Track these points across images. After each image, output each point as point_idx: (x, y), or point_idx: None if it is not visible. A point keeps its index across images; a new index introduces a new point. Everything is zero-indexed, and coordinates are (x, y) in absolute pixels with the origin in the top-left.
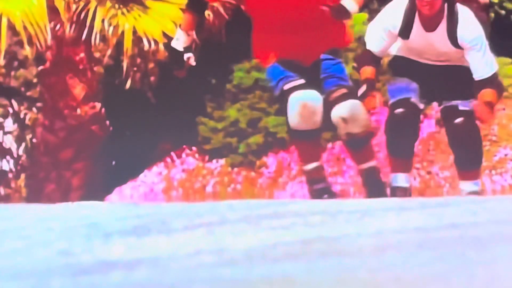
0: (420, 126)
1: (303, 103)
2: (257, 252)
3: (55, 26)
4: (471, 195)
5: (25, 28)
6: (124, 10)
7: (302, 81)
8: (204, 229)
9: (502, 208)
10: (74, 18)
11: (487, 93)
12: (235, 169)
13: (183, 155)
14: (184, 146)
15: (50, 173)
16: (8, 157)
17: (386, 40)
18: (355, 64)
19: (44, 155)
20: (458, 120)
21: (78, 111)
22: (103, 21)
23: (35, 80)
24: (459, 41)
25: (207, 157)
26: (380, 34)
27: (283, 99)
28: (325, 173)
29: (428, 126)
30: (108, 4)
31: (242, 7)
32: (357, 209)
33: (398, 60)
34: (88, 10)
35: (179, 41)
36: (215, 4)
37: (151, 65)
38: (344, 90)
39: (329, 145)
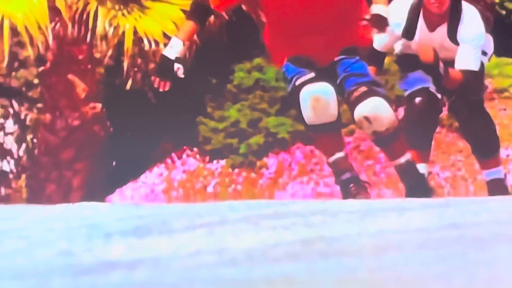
0: (439, 116)
1: (315, 97)
2: (257, 252)
3: (56, 27)
4: (495, 182)
5: (26, 29)
6: (125, 11)
7: (312, 74)
8: (204, 229)
9: (503, 208)
10: (75, 19)
11: (456, 72)
12: (236, 170)
13: (184, 156)
14: (185, 147)
15: (50, 174)
16: (8, 158)
17: (388, 39)
18: (360, 50)
19: (44, 155)
20: (467, 111)
21: (79, 111)
22: (104, 22)
23: (35, 81)
24: (459, 37)
25: (207, 158)
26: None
27: (296, 95)
28: (351, 162)
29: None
30: (109, 5)
31: (245, 7)
32: (358, 209)
33: (404, 57)
34: (89, 11)
35: (173, 50)
36: None
37: (151, 65)
38: (364, 89)
39: None
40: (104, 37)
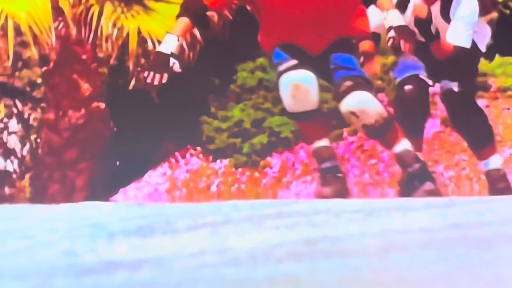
0: (429, 102)
1: (295, 84)
2: (261, 252)
3: (59, 27)
4: (493, 172)
5: (30, 29)
6: (128, 13)
7: (295, 61)
8: (208, 229)
9: (507, 208)
10: (79, 20)
11: (447, 43)
12: (239, 169)
13: (187, 155)
14: (188, 146)
15: (54, 173)
16: (12, 157)
17: (383, 17)
18: (354, 41)
19: (48, 155)
20: (456, 101)
21: (82, 111)
22: (108, 23)
23: (39, 81)
24: (451, 14)
25: (211, 157)
26: (377, 11)
27: (278, 82)
28: (334, 151)
29: (433, 126)
30: (113, 6)
31: (249, 7)
32: (361, 209)
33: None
34: (92, 12)
35: (166, 45)
36: None
37: None
38: (349, 83)
39: (334, 144)
40: (108, 38)
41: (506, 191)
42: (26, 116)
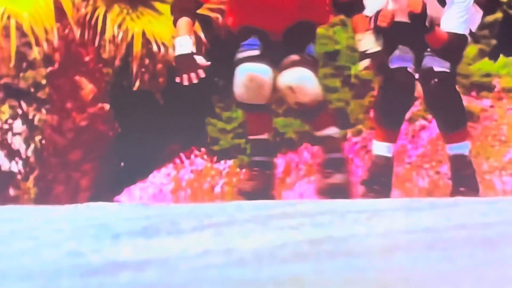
0: (413, 97)
1: (250, 75)
2: (265, 252)
3: (64, 28)
4: (459, 157)
5: (32, 29)
6: (133, 15)
7: (256, 52)
8: (212, 229)
9: None
10: (84, 21)
11: (442, 31)
12: (243, 170)
13: (192, 156)
14: (193, 147)
15: (58, 174)
16: (17, 158)
17: (384, 0)
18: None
19: (52, 156)
20: (434, 81)
21: (87, 112)
22: (112, 25)
23: (44, 81)
24: None
25: (215, 158)
26: None
27: (235, 68)
28: (270, 147)
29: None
30: (119, 8)
31: None
32: (366, 209)
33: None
34: (98, 13)
35: (184, 47)
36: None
37: (159, 66)
38: (296, 57)
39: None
40: (113, 40)
41: (470, 179)
42: (30, 117)
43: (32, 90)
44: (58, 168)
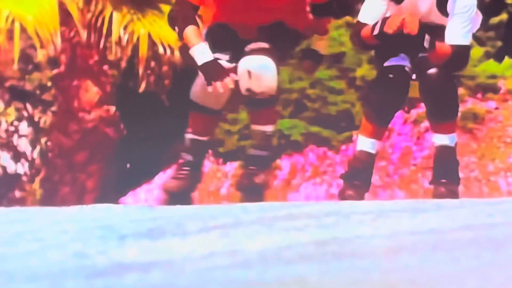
0: (407, 96)
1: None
2: (271, 253)
3: (69, 30)
4: (444, 149)
5: (37, 32)
6: (140, 15)
7: (226, 57)
8: (218, 231)
9: None
10: (89, 23)
11: (444, 46)
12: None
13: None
14: None
15: (64, 176)
16: (23, 160)
17: (384, 8)
18: (352, 42)
19: (58, 158)
20: (431, 70)
21: (92, 114)
22: (118, 27)
23: (49, 83)
24: (449, 8)
25: (221, 160)
26: (380, 2)
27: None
28: (208, 149)
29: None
30: (124, 10)
31: None
32: (371, 210)
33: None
34: (103, 16)
35: (205, 55)
36: None
37: (165, 68)
38: (264, 45)
39: (343, 147)
40: (118, 42)
41: (453, 172)
42: (36, 119)
43: (38, 92)
44: (64, 169)
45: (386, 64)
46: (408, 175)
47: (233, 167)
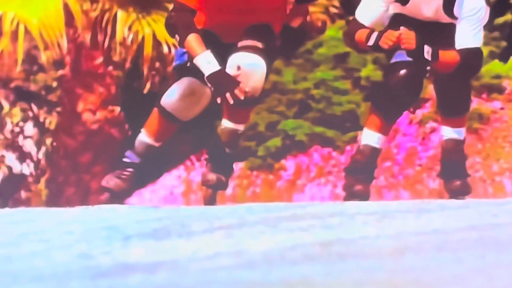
0: (419, 93)
1: (192, 90)
2: (276, 254)
3: (74, 31)
4: (454, 142)
5: (41, 35)
6: (145, 14)
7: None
8: (223, 231)
9: None
10: (94, 24)
11: (450, 54)
12: (254, 172)
13: (203, 158)
14: (204, 149)
15: (69, 177)
16: (28, 161)
17: (382, 9)
18: (344, 41)
19: (63, 158)
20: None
21: (97, 115)
22: (123, 27)
23: (54, 84)
24: (456, 12)
25: None
26: (379, 3)
27: (177, 73)
28: (154, 154)
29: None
30: (129, 10)
31: None
32: (376, 211)
33: (396, 17)
34: (108, 16)
35: (211, 64)
36: None
37: (169, 68)
38: (258, 44)
39: (348, 147)
40: (123, 42)
41: (461, 165)
42: (41, 119)
43: (43, 93)
44: (69, 170)
45: (393, 60)
46: (413, 176)
47: (238, 168)
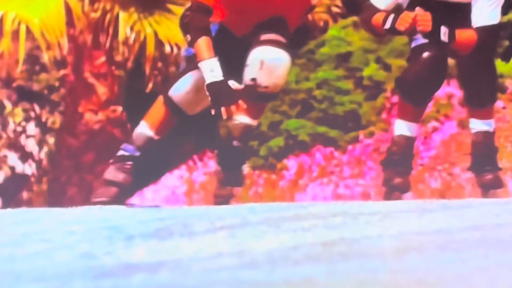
0: (445, 75)
1: (203, 84)
2: (278, 254)
3: (76, 31)
4: (483, 134)
5: (43, 34)
6: (147, 15)
7: (220, 77)
8: (225, 231)
9: None
10: (96, 24)
11: (467, 33)
12: (256, 172)
13: (205, 158)
14: (206, 149)
15: (72, 177)
16: (30, 161)
17: None
18: (361, 27)
19: (66, 158)
20: (470, 51)
21: (100, 114)
22: (125, 27)
23: (57, 84)
24: None
25: None
26: None
27: (189, 63)
28: (150, 146)
29: (450, 128)
30: (131, 10)
31: None
32: (378, 211)
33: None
34: (109, 16)
35: (215, 72)
36: None
37: (172, 68)
38: (279, 38)
39: (350, 147)
40: (125, 42)
41: (492, 157)
42: (44, 119)
43: (46, 92)
44: (71, 170)
45: (413, 45)
46: (415, 175)
47: None
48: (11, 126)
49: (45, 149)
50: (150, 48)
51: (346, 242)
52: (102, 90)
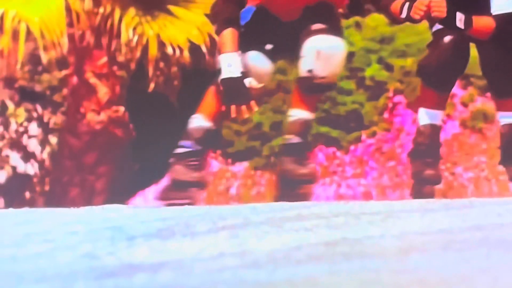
0: (468, 58)
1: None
2: (280, 254)
3: (78, 31)
4: (510, 126)
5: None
6: (149, 17)
7: (270, 46)
8: (227, 231)
9: None
10: (98, 24)
11: (485, 21)
12: (259, 172)
13: (207, 158)
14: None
15: (74, 177)
16: (32, 161)
17: None
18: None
19: (68, 159)
20: (490, 38)
21: (102, 115)
22: (127, 29)
23: (59, 84)
24: None
25: (230, 160)
26: None
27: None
28: (204, 132)
29: (452, 127)
30: (133, 12)
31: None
32: (381, 211)
33: None
34: (113, 17)
35: (233, 67)
36: None
37: (174, 69)
38: (323, 26)
39: (352, 147)
40: (128, 43)
41: None
42: (46, 120)
43: (48, 93)
44: (73, 171)
45: (434, 29)
46: None
47: (242, 168)
48: (13, 126)
49: (47, 149)
50: (153, 50)
51: (348, 242)
52: (104, 90)
